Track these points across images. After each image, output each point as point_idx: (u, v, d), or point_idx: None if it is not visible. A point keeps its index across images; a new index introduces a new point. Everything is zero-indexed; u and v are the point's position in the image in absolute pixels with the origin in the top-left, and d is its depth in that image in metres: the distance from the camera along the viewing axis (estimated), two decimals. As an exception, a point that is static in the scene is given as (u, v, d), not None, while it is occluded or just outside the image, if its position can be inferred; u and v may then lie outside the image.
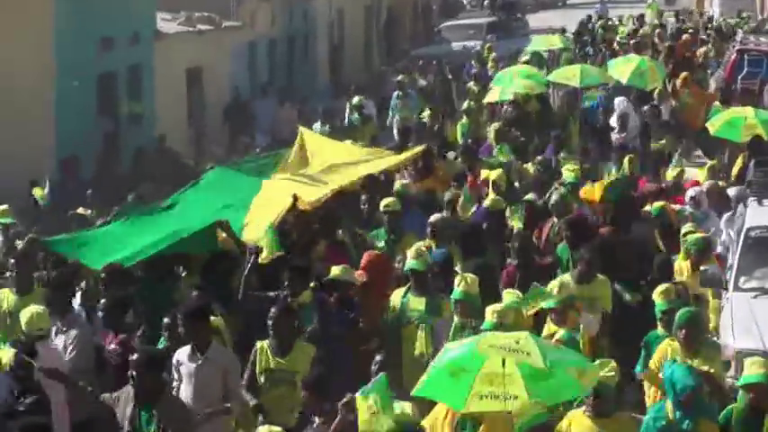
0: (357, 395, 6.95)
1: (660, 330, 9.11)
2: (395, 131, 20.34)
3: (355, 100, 21.54)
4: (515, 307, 8.78)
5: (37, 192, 15.54)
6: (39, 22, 18.87)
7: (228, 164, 14.66)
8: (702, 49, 26.78)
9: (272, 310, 8.47)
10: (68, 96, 19.42)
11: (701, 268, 11.35)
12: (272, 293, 9.84)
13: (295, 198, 11.06)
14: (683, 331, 8.43)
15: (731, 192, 13.63)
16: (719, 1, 41.85)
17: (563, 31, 32.04)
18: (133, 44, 21.80)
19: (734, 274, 11.68)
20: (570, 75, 19.52)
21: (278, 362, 8.31)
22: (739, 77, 21.46)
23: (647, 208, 12.75)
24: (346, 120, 22.18)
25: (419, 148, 14.16)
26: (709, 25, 34.05)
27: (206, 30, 24.73)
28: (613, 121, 18.06)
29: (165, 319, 8.83)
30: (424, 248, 9.84)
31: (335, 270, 9.45)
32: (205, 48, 24.70)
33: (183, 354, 8.25)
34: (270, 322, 8.39)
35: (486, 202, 12.30)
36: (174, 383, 8.29)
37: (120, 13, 21.30)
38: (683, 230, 11.80)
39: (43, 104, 18.88)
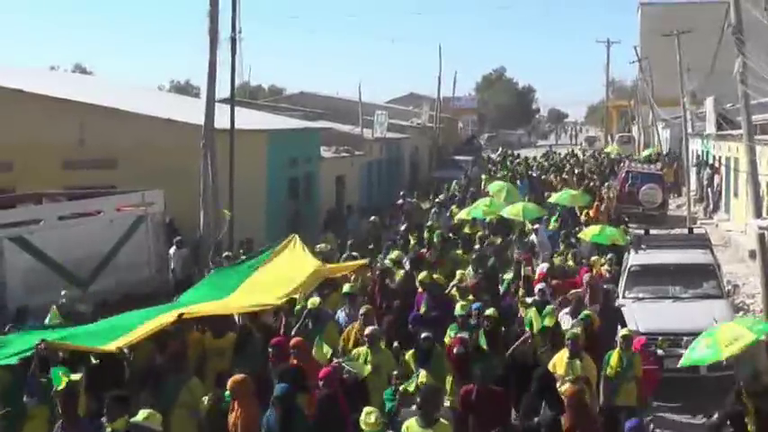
0: None
1: None
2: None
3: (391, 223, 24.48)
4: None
5: None
6: (258, 151, 23.39)
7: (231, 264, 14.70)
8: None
9: None
10: (273, 189, 23.92)
11: (604, 286, 13.51)
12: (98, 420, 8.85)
13: (180, 315, 10.62)
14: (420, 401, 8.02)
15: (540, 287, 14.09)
16: (617, 145, 58.23)
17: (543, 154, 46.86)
18: (307, 162, 27.31)
19: (622, 289, 14.49)
20: (515, 211, 20.71)
21: None
22: (627, 185, 30.15)
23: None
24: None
25: (360, 262, 14.97)
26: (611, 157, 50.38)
27: (346, 156, 31.47)
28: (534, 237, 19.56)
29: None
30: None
31: (141, 415, 8.45)
32: (345, 165, 31.22)
33: None
34: None
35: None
36: None
37: (301, 147, 26.85)
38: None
39: (260, 193, 22.92)
